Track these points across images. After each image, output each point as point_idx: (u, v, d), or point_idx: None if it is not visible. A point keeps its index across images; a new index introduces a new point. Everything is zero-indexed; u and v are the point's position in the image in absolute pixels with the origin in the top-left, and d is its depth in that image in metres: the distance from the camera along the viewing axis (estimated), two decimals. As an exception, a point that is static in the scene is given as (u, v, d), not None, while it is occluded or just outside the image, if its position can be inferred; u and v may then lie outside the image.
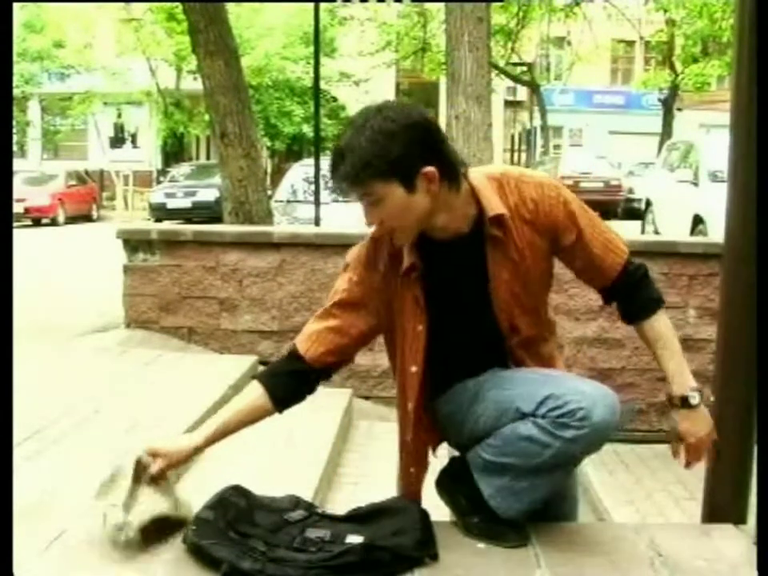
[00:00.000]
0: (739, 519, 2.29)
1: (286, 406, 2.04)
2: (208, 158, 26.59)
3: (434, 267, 1.93)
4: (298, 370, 2.00)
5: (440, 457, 2.14)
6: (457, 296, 1.95)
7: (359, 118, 1.82)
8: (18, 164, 19.81)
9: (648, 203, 12.77)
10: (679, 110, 25.12)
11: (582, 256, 1.96)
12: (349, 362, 2.06)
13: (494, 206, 1.88)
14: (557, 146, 29.56)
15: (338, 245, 4.93)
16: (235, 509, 1.97)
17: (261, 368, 4.73)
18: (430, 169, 1.80)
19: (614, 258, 1.97)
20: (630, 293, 2.00)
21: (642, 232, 12.51)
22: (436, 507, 2.07)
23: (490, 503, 1.94)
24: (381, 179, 1.78)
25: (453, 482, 2.04)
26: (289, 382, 2.01)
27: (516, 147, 33.82)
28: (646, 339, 2.01)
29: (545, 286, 2.03)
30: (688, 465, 2.04)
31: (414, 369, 1.97)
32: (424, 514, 1.98)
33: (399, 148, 1.76)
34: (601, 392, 1.84)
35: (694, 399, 1.99)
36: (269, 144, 25.05)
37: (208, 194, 18.22)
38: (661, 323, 2.00)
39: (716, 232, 7.73)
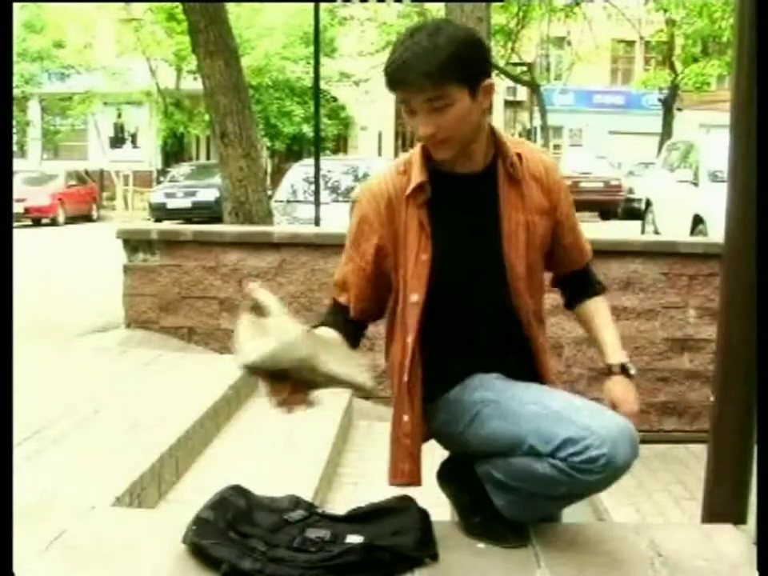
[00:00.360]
0: (739, 519, 2.29)
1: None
2: (208, 158, 26.59)
3: (442, 200, 1.92)
4: (350, 319, 2.03)
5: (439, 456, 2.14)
6: (464, 234, 1.93)
7: (429, 26, 1.84)
8: (17, 164, 19.81)
9: (648, 203, 12.77)
10: (679, 109, 25.12)
11: (570, 231, 2.05)
12: (381, 311, 2.05)
13: (513, 148, 1.95)
14: (557, 146, 29.55)
15: (337, 245, 4.90)
16: (235, 509, 1.97)
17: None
18: (491, 81, 1.85)
19: (587, 244, 2.13)
20: (587, 277, 2.15)
21: (642, 232, 12.52)
22: (436, 507, 2.07)
23: (500, 510, 1.93)
24: (456, 83, 1.78)
25: (456, 479, 2.03)
26: (351, 329, 2.04)
27: (516, 147, 33.75)
28: (588, 315, 2.12)
29: (543, 254, 2.01)
30: None
31: (415, 298, 1.91)
32: (424, 514, 1.98)
33: (475, 56, 1.81)
34: (619, 428, 1.74)
35: (632, 369, 2.04)
36: (269, 144, 25.05)
37: (208, 194, 18.24)
38: (601, 300, 2.14)
39: (716, 232, 7.73)
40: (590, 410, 1.79)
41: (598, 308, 2.12)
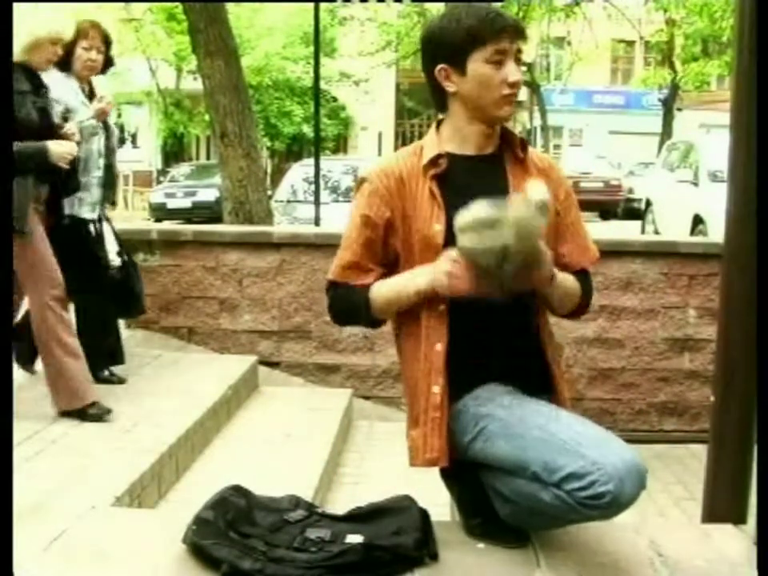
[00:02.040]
0: (739, 519, 2.29)
1: None
2: (208, 158, 26.57)
3: (454, 179, 1.96)
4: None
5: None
6: None
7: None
8: (18, 164, 19.74)
9: (648, 203, 12.77)
10: (679, 109, 25.10)
11: (571, 226, 2.05)
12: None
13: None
14: (557, 146, 29.53)
15: (338, 245, 4.91)
16: (235, 509, 1.97)
17: (261, 368, 4.74)
18: None
19: (593, 245, 2.10)
20: (584, 283, 2.07)
21: (642, 232, 12.51)
22: (436, 507, 2.07)
23: (503, 517, 1.93)
24: None
25: (460, 479, 2.00)
26: None
27: (516, 147, 33.73)
28: None
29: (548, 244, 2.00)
30: None
31: None
32: (424, 514, 1.98)
33: None
34: (626, 463, 1.70)
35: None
36: (269, 144, 25.03)
37: (208, 194, 18.20)
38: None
39: (716, 232, 7.73)
40: (598, 442, 1.76)
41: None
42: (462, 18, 1.90)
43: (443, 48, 1.93)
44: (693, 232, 9.51)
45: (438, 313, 1.93)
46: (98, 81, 4.00)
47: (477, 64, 1.90)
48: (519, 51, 1.93)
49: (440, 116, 2.07)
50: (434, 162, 1.96)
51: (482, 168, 1.99)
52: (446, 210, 1.92)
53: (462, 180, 1.96)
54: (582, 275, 2.08)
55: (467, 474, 1.97)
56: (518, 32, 1.92)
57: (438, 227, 1.93)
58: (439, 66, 1.94)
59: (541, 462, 1.76)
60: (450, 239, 1.89)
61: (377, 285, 1.99)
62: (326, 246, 5.03)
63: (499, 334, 1.95)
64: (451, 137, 2.00)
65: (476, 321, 1.93)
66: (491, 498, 1.93)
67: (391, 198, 1.96)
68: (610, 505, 1.70)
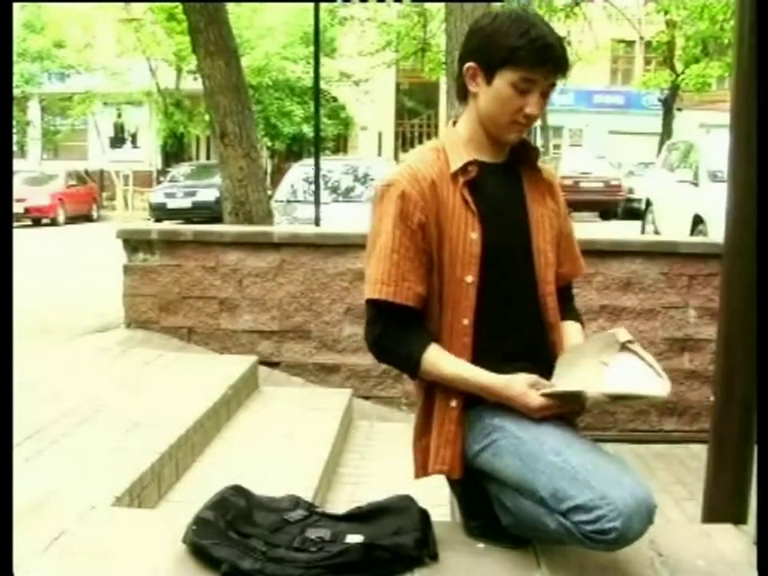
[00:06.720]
0: (739, 519, 2.29)
1: None
2: (208, 157, 26.59)
3: (479, 185, 1.93)
4: (421, 322, 1.93)
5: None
6: (502, 217, 1.95)
7: (534, 12, 1.98)
8: (17, 164, 19.84)
9: (648, 203, 12.77)
10: (679, 110, 25.11)
11: (567, 237, 2.10)
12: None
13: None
14: (557, 146, 29.52)
15: (337, 245, 4.93)
16: (235, 509, 1.97)
17: (261, 368, 4.74)
18: None
19: (581, 257, 2.15)
20: (572, 298, 2.16)
21: (642, 232, 12.52)
22: (436, 507, 2.07)
23: (505, 526, 1.91)
24: None
25: (463, 480, 1.97)
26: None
27: (516, 147, 33.73)
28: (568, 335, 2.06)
29: (555, 252, 2.03)
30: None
31: (470, 278, 1.89)
32: (424, 514, 1.98)
33: None
34: (636, 500, 1.67)
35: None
36: (269, 144, 25.05)
37: (208, 194, 18.24)
38: (581, 329, 2.10)
39: (716, 232, 7.73)
40: (610, 474, 1.72)
41: (574, 332, 2.07)
42: (512, 31, 1.84)
43: (480, 49, 1.89)
44: (693, 232, 9.51)
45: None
46: None
47: (502, 82, 1.86)
48: (553, 85, 1.89)
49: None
50: (464, 169, 1.92)
51: (502, 176, 1.99)
52: (479, 218, 1.90)
53: (489, 188, 1.95)
54: (570, 290, 2.15)
55: (471, 476, 1.95)
56: (558, 70, 1.87)
57: (474, 235, 1.89)
58: (469, 64, 1.91)
59: (550, 488, 1.73)
60: (484, 246, 1.89)
61: (435, 357, 1.88)
62: (326, 246, 5.04)
63: (517, 312, 1.95)
64: (468, 140, 1.97)
65: (498, 304, 1.93)
66: (494, 506, 1.92)
67: (426, 203, 1.89)
68: (615, 541, 1.67)
